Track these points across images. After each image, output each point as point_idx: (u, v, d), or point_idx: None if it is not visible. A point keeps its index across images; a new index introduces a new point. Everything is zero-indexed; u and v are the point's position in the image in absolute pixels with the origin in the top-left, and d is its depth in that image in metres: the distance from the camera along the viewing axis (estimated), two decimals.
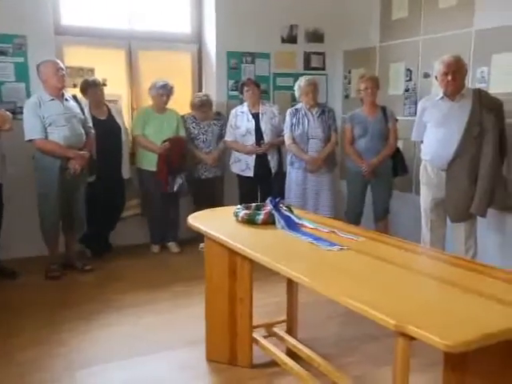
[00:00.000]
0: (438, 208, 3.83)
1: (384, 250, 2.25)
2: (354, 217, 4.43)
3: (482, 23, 4.05)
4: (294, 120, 4.41)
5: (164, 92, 4.59)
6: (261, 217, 2.65)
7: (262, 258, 2.16)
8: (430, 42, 4.52)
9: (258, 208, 2.80)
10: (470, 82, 4.01)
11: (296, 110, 4.46)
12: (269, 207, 2.73)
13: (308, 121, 4.39)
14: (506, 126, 3.60)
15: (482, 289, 1.76)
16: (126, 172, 4.57)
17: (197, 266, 3.33)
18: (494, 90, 3.89)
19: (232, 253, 2.52)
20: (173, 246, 4.83)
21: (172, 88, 4.65)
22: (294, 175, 4.48)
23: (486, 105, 3.55)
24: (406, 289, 1.81)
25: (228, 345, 2.68)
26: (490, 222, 3.98)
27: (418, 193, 4.19)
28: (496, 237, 4.07)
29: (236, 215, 2.74)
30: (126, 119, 4.76)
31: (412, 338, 1.52)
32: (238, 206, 2.84)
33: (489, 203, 3.62)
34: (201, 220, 2.84)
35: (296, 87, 4.45)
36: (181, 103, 4.90)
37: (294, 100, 5.32)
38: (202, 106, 4.70)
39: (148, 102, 4.78)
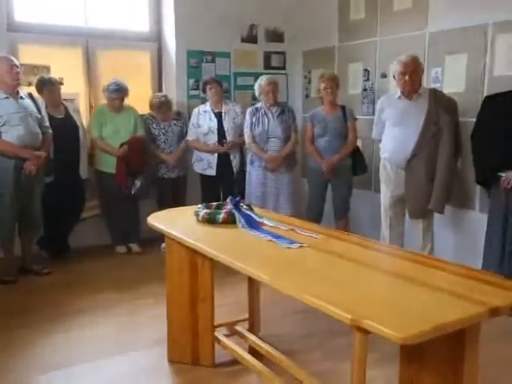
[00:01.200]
0: (396, 205, 3.93)
1: (342, 247, 2.30)
2: (315, 215, 4.48)
3: (435, 25, 4.18)
4: (254, 119, 4.43)
5: (116, 96, 4.51)
6: (221, 216, 2.65)
7: (222, 257, 2.17)
8: (386, 43, 4.63)
9: (219, 207, 2.80)
10: (426, 82, 4.13)
11: (256, 109, 4.48)
12: (229, 206, 2.74)
13: (268, 120, 4.41)
14: (459, 125, 3.73)
15: (436, 283, 1.81)
16: (84, 172, 4.49)
17: (159, 267, 3.31)
18: (448, 89, 4.02)
19: (193, 252, 2.52)
20: (134, 247, 4.78)
21: (126, 89, 4.57)
22: (254, 174, 4.50)
23: (441, 104, 3.67)
24: (363, 285, 1.85)
25: (190, 345, 2.68)
26: (447, 218, 4.11)
27: (377, 191, 4.29)
28: (452, 232, 4.21)
29: (197, 215, 2.73)
30: (84, 118, 4.67)
31: (368, 332, 1.56)
32: (199, 206, 2.84)
33: (446, 200, 3.74)
34: (161, 220, 2.83)
35: (256, 86, 4.47)
36: (140, 103, 4.84)
37: (254, 99, 5.33)
38: (161, 106, 4.67)
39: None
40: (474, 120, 3.60)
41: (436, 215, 3.85)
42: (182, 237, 2.48)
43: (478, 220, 3.87)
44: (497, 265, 3.41)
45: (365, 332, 1.57)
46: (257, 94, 4.50)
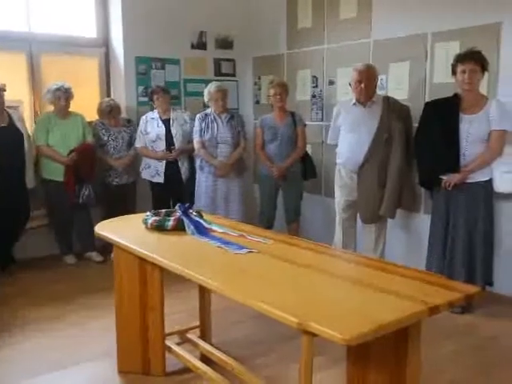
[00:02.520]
0: (350, 209, 4.02)
1: (291, 251, 2.33)
2: (266, 220, 4.53)
3: (378, 34, 4.31)
4: (203, 125, 4.43)
5: (61, 94, 4.40)
6: (170, 223, 2.64)
7: (170, 265, 2.15)
8: (333, 50, 4.74)
9: (168, 214, 2.78)
10: None
11: (205, 114, 4.49)
12: (178, 213, 2.72)
13: (217, 126, 4.42)
14: (412, 131, 3.85)
15: (382, 284, 1.86)
16: (30, 181, 4.34)
17: (108, 276, 3.25)
18: (392, 96, 4.13)
19: (141, 260, 2.48)
20: (94, 256, 4.67)
21: (69, 89, 4.46)
22: (203, 180, 4.49)
23: (394, 111, 3.79)
24: (310, 288, 1.87)
25: (140, 354, 2.64)
26: (398, 221, 4.23)
27: (327, 195, 4.37)
28: (403, 235, 4.33)
29: (145, 222, 2.71)
30: (28, 126, 4.53)
31: (314, 335, 1.58)
32: (148, 213, 2.81)
33: (397, 205, 3.85)
34: (109, 228, 2.78)
35: (206, 92, 4.48)
36: (88, 110, 4.75)
37: (205, 106, 5.35)
38: (111, 111, 4.61)
39: (52, 107, 4.58)
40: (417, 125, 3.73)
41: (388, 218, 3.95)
42: (130, 245, 2.44)
43: (423, 221, 4.01)
44: (438, 265, 3.54)
45: (311, 335, 1.59)
46: (206, 100, 4.51)
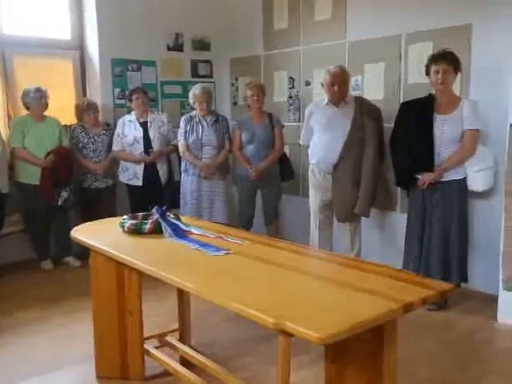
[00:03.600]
0: (325, 209, 4.05)
1: (268, 252, 2.34)
2: (245, 221, 4.53)
3: (353, 35, 4.36)
4: (188, 127, 4.42)
5: (41, 94, 4.35)
6: (147, 226, 2.63)
7: (147, 268, 2.14)
8: (309, 51, 4.77)
9: (145, 217, 2.77)
10: None
11: (190, 117, 4.48)
12: (156, 216, 2.71)
13: (202, 128, 4.41)
14: (384, 131, 3.90)
15: (359, 283, 1.88)
16: (4, 186, 4.27)
17: (86, 281, 3.21)
18: (368, 96, 4.17)
19: (119, 264, 2.47)
20: (72, 261, 4.62)
21: (46, 91, 4.41)
22: (188, 182, 4.48)
23: (366, 111, 3.83)
24: (287, 288, 1.89)
25: (119, 359, 2.62)
26: (374, 220, 4.29)
27: (305, 195, 4.39)
28: (379, 234, 4.39)
29: (122, 226, 2.69)
30: (1, 129, 4.45)
31: (291, 335, 1.60)
32: (125, 217, 2.79)
33: (371, 203, 3.90)
34: (86, 232, 2.76)
35: (190, 94, 4.47)
36: (64, 113, 4.70)
37: (183, 108, 5.36)
38: (89, 107, 4.60)
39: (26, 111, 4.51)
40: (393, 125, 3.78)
41: (363, 217, 3.99)
42: (107, 249, 2.43)
43: (400, 220, 4.06)
44: (415, 263, 3.59)
45: (288, 335, 1.60)
46: (191, 102, 4.50)
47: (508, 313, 3.26)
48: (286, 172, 4.54)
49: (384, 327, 1.82)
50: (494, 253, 3.36)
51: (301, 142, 4.22)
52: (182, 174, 4.54)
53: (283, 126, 4.53)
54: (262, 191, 4.52)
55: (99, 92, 5.00)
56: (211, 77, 5.67)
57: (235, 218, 4.65)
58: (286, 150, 4.67)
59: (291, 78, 4.98)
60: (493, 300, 3.37)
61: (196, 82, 4.83)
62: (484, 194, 3.59)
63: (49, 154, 4.38)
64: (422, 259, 3.56)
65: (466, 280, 3.57)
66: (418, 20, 3.86)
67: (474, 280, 3.67)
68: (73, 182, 4.53)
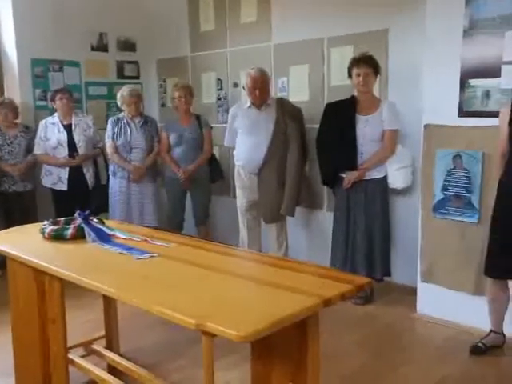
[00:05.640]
0: (252, 209, 4.09)
1: (194, 253, 2.33)
2: (175, 223, 4.50)
3: (278, 38, 4.44)
4: (116, 129, 4.33)
5: None
6: (69, 231, 2.54)
7: (67, 274, 2.08)
8: (236, 53, 4.80)
9: (67, 222, 2.68)
10: (273, 92, 4.36)
11: (118, 118, 4.38)
12: (78, 221, 2.64)
13: (130, 130, 4.33)
14: (306, 131, 4.00)
15: (283, 282, 1.90)
16: None
17: (4, 291, 3.06)
18: (294, 98, 4.29)
19: (38, 272, 2.37)
20: None
21: None
22: (117, 185, 4.39)
23: (288, 113, 3.90)
24: (211, 289, 1.89)
25: (40, 371, 2.51)
26: (300, 218, 4.38)
27: (235, 196, 4.41)
28: (307, 233, 4.49)
29: (42, 232, 2.59)
30: None
31: (214, 335, 1.60)
32: (45, 222, 2.69)
33: (296, 204, 3.98)
34: (3, 239, 2.63)
35: (119, 96, 4.37)
36: None
37: (109, 109, 5.23)
38: (4, 106, 4.38)
39: None
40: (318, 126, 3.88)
41: (290, 217, 4.07)
42: (25, 256, 2.32)
43: (326, 218, 4.18)
44: (342, 260, 3.71)
45: (210, 335, 1.61)
46: (119, 104, 4.40)
47: (426, 303, 3.44)
48: (215, 173, 4.55)
49: (307, 322, 1.87)
50: (413, 247, 3.52)
51: (225, 144, 4.23)
52: (110, 177, 4.43)
53: (211, 128, 4.53)
54: (192, 193, 4.50)
55: (18, 93, 4.79)
56: (138, 78, 5.59)
57: (164, 220, 4.60)
58: (215, 151, 4.68)
59: (219, 79, 5.00)
60: (413, 292, 3.54)
61: (122, 83, 4.74)
62: (404, 192, 3.77)
63: None
64: (348, 256, 3.68)
65: (389, 274, 3.73)
66: (338, 24, 4.00)
67: (397, 273, 3.85)
68: None
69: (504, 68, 2.92)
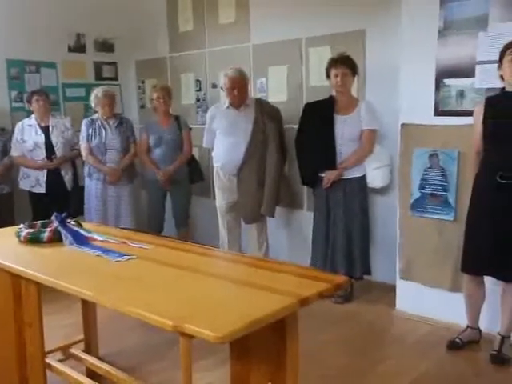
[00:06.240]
0: (232, 210, 4.09)
1: (173, 255, 2.32)
2: (155, 225, 4.47)
3: (257, 39, 4.45)
4: (91, 131, 4.29)
5: None
6: (46, 234, 2.51)
7: (44, 278, 2.05)
8: (215, 54, 4.80)
9: (44, 226, 2.65)
10: (252, 92, 4.37)
11: (92, 120, 4.34)
12: (55, 224, 2.60)
13: (105, 132, 4.29)
14: (284, 131, 4.01)
15: (262, 282, 1.91)
16: None
17: None
18: (273, 98, 4.31)
19: (14, 276, 2.34)
20: None
21: None
22: (93, 187, 4.35)
23: (266, 113, 3.91)
24: (189, 291, 1.88)
25: (17, 376, 2.47)
26: (280, 218, 4.39)
27: (215, 197, 4.41)
28: (287, 233, 4.50)
29: (18, 235, 2.55)
30: None
31: (192, 337, 1.60)
32: (21, 225, 2.65)
33: (276, 204, 3.99)
34: None
35: (92, 97, 4.33)
36: None
37: (87, 111, 5.18)
38: None
39: None
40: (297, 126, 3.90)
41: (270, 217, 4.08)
42: (0, 260, 2.29)
43: (306, 218, 4.19)
44: (322, 259, 3.73)
45: (188, 336, 1.61)
46: (93, 105, 4.36)
47: (405, 301, 3.48)
48: (194, 174, 4.53)
49: (285, 322, 1.87)
50: (392, 245, 3.56)
51: (204, 145, 4.23)
52: (86, 179, 4.39)
53: (191, 129, 4.52)
54: (172, 194, 4.48)
55: None
56: (116, 79, 5.55)
57: (145, 222, 4.57)
58: (195, 152, 4.67)
59: (198, 80, 4.99)
60: (393, 289, 3.58)
61: (100, 85, 4.69)
62: (382, 191, 3.81)
63: None
64: (329, 255, 3.70)
65: (368, 273, 3.76)
66: (316, 25, 4.02)
67: (377, 271, 3.88)
68: None
69: (478, 68, 2.97)
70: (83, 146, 4.30)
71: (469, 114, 2.92)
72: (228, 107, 3.92)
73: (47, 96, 4.45)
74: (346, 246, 3.64)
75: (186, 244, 2.54)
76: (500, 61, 2.67)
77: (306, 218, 4.25)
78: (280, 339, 1.94)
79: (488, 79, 2.91)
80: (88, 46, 5.27)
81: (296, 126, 3.87)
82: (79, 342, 2.87)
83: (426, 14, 3.13)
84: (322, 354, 2.93)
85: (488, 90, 2.92)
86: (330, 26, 3.93)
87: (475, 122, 2.84)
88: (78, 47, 5.20)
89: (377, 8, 3.71)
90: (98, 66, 5.38)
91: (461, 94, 3.07)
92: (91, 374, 2.62)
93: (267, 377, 1.99)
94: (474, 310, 2.99)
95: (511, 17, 2.83)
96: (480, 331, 3.03)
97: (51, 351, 2.67)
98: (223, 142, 3.94)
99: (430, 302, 3.33)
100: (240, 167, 3.89)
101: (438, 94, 3.16)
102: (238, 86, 3.81)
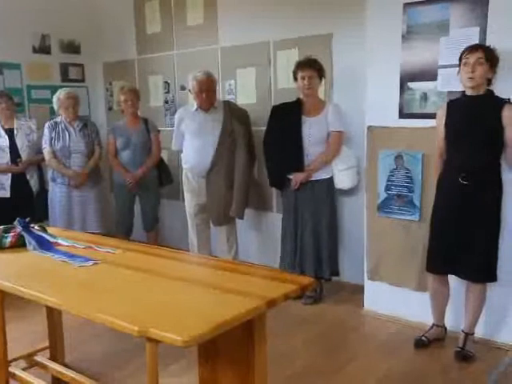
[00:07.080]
0: (201, 213, 4.08)
1: (140, 259, 2.31)
2: (124, 229, 4.43)
3: (225, 41, 4.45)
4: (54, 134, 4.20)
5: None
6: (8, 240, 2.47)
7: (5, 285, 2.01)
8: (183, 56, 4.78)
9: (6, 231, 2.58)
10: (221, 94, 4.37)
11: (55, 123, 4.26)
12: (18, 229, 2.55)
13: (69, 135, 4.22)
14: (253, 133, 4.02)
15: (229, 285, 1.91)
16: None
17: None
18: (241, 101, 4.32)
19: None
20: None
21: None
22: (57, 192, 4.26)
23: (235, 115, 3.91)
24: (155, 295, 1.86)
25: None
26: (250, 220, 4.40)
27: (184, 200, 4.39)
28: (257, 235, 4.51)
29: None
30: None
31: (158, 341, 1.59)
32: None
33: (245, 206, 3.99)
34: None
35: (55, 99, 4.25)
36: None
37: (53, 113, 5.06)
38: None
39: None
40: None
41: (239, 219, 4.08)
42: None
43: (276, 220, 4.21)
44: (291, 261, 3.74)
45: (154, 341, 1.59)
46: (55, 107, 4.28)
47: (373, 300, 3.53)
48: (163, 177, 4.50)
49: (253, 324, 1.88)
50: (360, 246, 3.60)
51: (173, 148, 4.20)
52: (50, 183, 4.31)
53: (159, 131, 4.49)
54: (141, 198, 4.44)
55: None
56: (83, 81, 5.46)
57: (113, 226, 4.51)
58: (164, 154, 4.64)
59: (166, 82, 4.96)
60: (361, 290, 3.62)
61: (67, 87, 4.61)
62: (349, 192, 3.85)
63: None
64: (297, 256, 3.72)
65: (337, 273, 3.79)
66: (284, 28, 4.04)
67: (345, 272, 3.93)
68: None
69: (440, 72, 3.04)
70: (46, 150, 4.21)
71: (432, 116, 2.98)
72: (196, 110, 3.91)
73: (10, 98, 4.35)
74: (315, 248, 3.67)
75: (154, 248, 2.52)
76: (459, 65, 2.75)
77: (275, 219, 4.27)
78: (248, 341, 1.94)
79: (449, 83, 2.98)
80: (53, 47, 5.17)
81: (264, 128, 3.88)
82: (44, 349, 2.81)
83: (390, 18, 3.19)
84: (291, 354, 2.95)
85: (449, 93, 2.99)
86: (298, 29, 3.96)
87: (438, 124, 2.91)
88: (43, 48, 5.10)
89: (344, 12, 3.75)
90: (64, 68, 5.29)
91: (424, 97, 3.14)
92: (56, 381, 2.57)
93: (236, 380, 1.99)
94: (439, 309, 3.06)
95: (471, 23, 2.91)
96: (445, 329, 3.10)
97: (15, 359, 2.61)
98: (192, 145, 3.93)
99: (398, 302, 3.38)
100: (209, 169, 3.88)
101: (403, 97, 3.22)
102: (207, 89, 3.80)
